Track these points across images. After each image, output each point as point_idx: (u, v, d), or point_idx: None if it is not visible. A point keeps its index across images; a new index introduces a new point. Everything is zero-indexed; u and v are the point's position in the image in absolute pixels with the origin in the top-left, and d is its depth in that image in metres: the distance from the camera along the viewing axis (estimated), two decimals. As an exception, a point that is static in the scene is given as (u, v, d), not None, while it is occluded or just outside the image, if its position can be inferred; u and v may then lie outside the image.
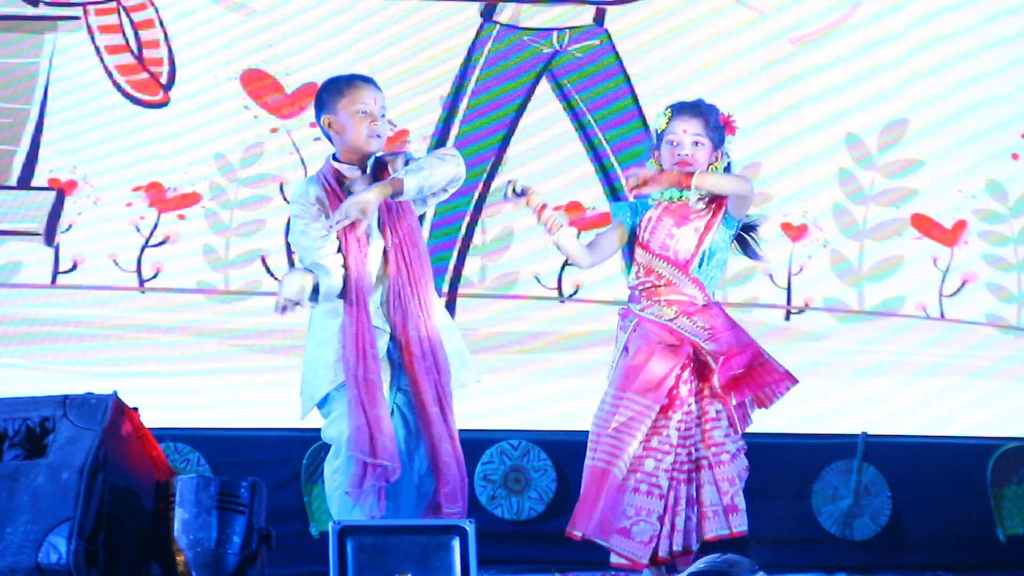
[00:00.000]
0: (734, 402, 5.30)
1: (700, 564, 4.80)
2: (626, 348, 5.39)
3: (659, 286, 5.38)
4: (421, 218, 5.41)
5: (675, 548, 5.23)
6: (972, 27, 7.48)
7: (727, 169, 5.47)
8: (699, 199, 5.37)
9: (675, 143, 5.37)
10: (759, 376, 5.34)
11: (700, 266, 5.38)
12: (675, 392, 5.29)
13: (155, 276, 7.37)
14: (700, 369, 5.34)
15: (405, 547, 4.54)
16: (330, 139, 5.37)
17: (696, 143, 5.37)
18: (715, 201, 5.40)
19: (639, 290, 5.44)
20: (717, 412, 5.32)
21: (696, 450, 5.29)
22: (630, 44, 7.46)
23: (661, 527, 5.23)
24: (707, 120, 5.41)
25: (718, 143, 5.43)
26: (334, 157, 5.35)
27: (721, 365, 5.26)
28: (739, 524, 5.27)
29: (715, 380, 5.27)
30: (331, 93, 5.33)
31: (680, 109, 5.43)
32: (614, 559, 5.27)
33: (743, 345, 5.33)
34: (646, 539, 5.20)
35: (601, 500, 5.22)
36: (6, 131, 7.43)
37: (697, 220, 5.37)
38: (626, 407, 5.28)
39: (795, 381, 5.40)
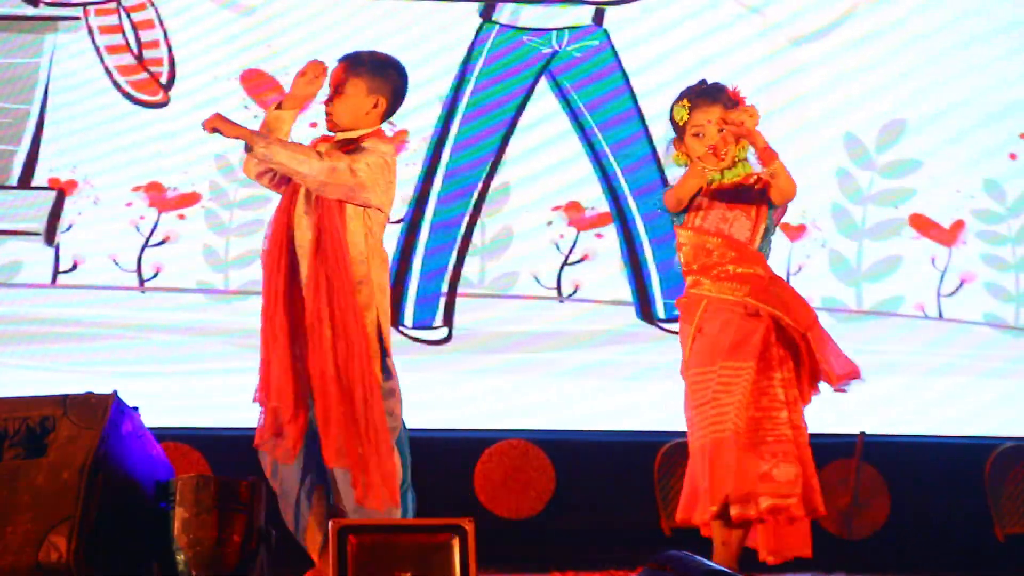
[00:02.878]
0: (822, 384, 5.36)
1: (690, 563, 4.80)
2: (700, 328, 5.33)
3: (723, 263, 5.36)
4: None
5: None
6: (971, 28, 7.50)
7: None
8: (745, 179, 5.38)
9: (701, 135, 5.35)
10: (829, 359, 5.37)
11: (760, 243, 5.40)
12: (770, 353, 5.27)
13: (155, 276, 7.37)
14: (786, 338, 5.32)
15: (405, 546, 4.54)
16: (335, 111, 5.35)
17: (721, 129, 5.33)
18: (759, 180, 5.38)
19: (699, 271, 5.38)
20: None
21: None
22: (629, 43, 7.47)
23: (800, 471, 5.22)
24: (724, 103, 5.39)
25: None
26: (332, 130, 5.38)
27: (817, 343, 5.29)
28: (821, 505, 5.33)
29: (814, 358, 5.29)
30: (401, 85, 5.39)
31: (697, 98, 5.40)
32: (764, 503, 5.15)
33: (814, 320, 5.35)
34: (792, 477, 5.18)
35: (728, 464, 5.14)
36: (6, 131, 7.43)
37: (747, 203, 5.36)
38: (720, 375, 5.22)
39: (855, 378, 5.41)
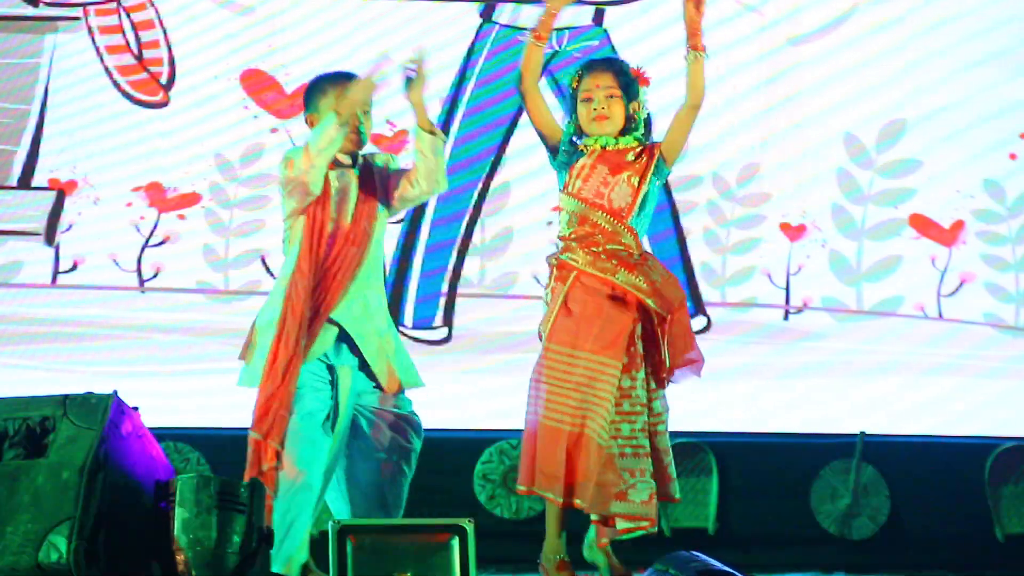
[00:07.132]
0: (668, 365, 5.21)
1: (693, 563, 4.79)
2: (566, 304, 5.28)
3: (595, 235, 5.22)
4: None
5: None
6: (971, 28, 7.50)
7: (647, 122, 5.30)
8: (633, 148, 5.27)
9: (590, 99, 5.29)
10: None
11: (636, 215, 5.24)
12: (633, 350, 5.14)
13: (155, 276, 7.38)
14: (648, 322, 5.18)
15: (405, 547, 4.54)
16: None
17: (610, 96, 5.23)
18: (647, 150, 5.27)
19: (574, 240, 5.24)
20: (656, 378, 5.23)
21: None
22: (628, 42, 7.47)
23: (657, 484, 5.12)
24: (618, 72, 5.28)
25: (633, 95, 5.27)
26: None
27: (670, 326, 5.17)
28: (677, 491, 5.22)
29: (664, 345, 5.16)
30: (314, 92, 5.30)
31: (589, 65, 5.32)
32: (620, 525, 5.11)
33: (682, 302, 5.21)
34: (646, 498, 5.07)
35: (590, 468, 5.04)
36: (6, 131, 7.44)
37: (631, 169, 5.23)
38: (586, 367, 5.11)
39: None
